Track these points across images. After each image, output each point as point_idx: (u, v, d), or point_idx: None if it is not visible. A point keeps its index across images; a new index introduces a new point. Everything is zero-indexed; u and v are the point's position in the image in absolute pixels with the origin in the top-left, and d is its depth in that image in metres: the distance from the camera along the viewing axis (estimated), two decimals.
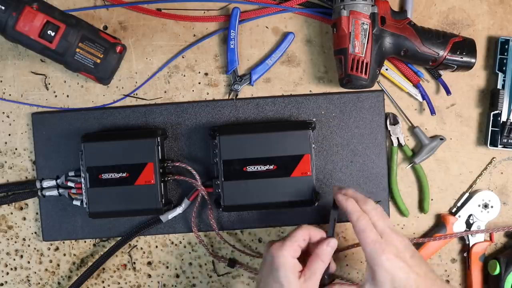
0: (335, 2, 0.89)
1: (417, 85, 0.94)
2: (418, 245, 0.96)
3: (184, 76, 0.96)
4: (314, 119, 0.95)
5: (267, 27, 0.95)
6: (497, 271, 0.93)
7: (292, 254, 0.79)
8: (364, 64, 0.87)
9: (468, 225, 0.96)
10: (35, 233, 0.98)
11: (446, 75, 0.94)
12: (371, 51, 0.87)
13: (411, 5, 0.92)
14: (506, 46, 0.93)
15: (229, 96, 0.96)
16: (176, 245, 0.98)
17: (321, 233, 0.83)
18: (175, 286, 0.99)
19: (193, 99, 0.96)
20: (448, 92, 0.93)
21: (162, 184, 0.91)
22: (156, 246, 0.98)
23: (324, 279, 0.84)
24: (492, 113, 0.93)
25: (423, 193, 0.96)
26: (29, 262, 0.98)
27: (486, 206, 0.96)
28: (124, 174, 0.90)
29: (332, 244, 0.81)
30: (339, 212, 0.83)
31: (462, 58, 0.89)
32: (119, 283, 0.98)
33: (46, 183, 0.94)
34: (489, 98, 0.95)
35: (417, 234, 0.98)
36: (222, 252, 0.98)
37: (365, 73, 0.87)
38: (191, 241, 0.97)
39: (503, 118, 0.93)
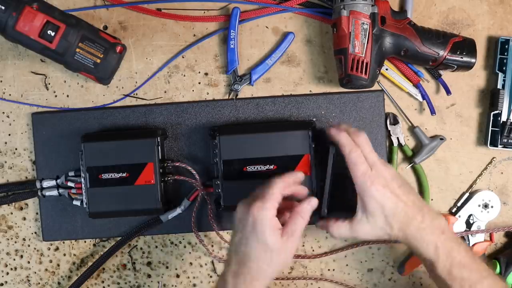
0: (335, 2, 0.89)
1: (417, 85, 0.94)
2: None
3: (184, 76, 0.96)
4: (314, 119, 0.95)
5: (267, 27, 0.95)
6: (497, 271, 0.93)
7: (273, 213, 0.78)
8: (364, 64, 0.87)
9: (468, 225, 0.96)
10: (35, 233, 0.98)
11: (446, 75, 0.94)
12: (371, 51, 0.87)
13: (411, 5, 0.92)
14: (506, 46, 0.93)
15: (229, 96, 0.96)
16: (176, 245, 0.98)
17: (293, 179, 0.83)
18: (175, 286, 0.99)
19: (193, 99, 0.96)
20: (448, 92, 0.93)
21: (162, 184, 0.90)
22: (156, 246, 0.98)
23: (324, 212, 0.86)
24: (492, 113, 0.93)
25: (423, 193, 0.96)
26: (29, 262, 0.98)
27: (486, 206, 0.96)
28: (124, 174, 0.90)
29: (312, 203, 0.81)
30: (336, 148, 0.84)
31: (462, 58, 0.89)
32: (119, 283, 0.99)
33: (46, 183, 0.94)
34: (489, 98, 0.95)
35: None
36: (222, 252, 0.98)
37: (365, 73, 0.87)
38: (191, 241, 0.97)
39: (503, 118, 0.93)
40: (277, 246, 0.77)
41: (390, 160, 0.95)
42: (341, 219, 0.84)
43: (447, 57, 0.89)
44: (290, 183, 0.82)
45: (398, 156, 0.95)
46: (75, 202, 0.93)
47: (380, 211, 0.80)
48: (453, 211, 0.97)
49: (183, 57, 0.95)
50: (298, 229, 0.79)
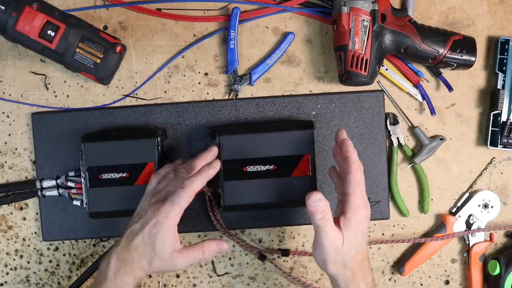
0: None
1: (417, 85, 0.94)
2: (418, 245, 0.96)
3: (184, 76, 0.96)
4: (314, 119, 0.95)
5: (267, 27, 0.95)
6: (497, 271, 0.93)
7: (176, 221, 0.80)
8: (364, 60, 0.87)
9: (468, 225, 0.96)
10: (35, 233, 0.98)
11: (445, 74, 0.94)
12: (371, 48, 0.87)
13: (412, 2, 0.92)
14: (506, 46, 0.93)
15: (229, 96, 0.96)
16: None
17: (210, 175, 0.83)
18: (175, 286, 0.99)
19: (193, 99, 0.96)
20: (450, 88, 0.93)
21: None
22: None
23: None
24: (492, 113, 0.93)
25: (423, 193, 0.96)
26: (29, 262, 0.98)
27: (486, 206, 0.96)
28: (124, 174, 0.90)
29: (221, 248, 0.83)
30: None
31: (462, 56, 0.89)
32: None
33: (46, 183, 0.94)
34: (489, 98, 0.95)
35: (417, 234, 0.98)
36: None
37: (365, 70, 0.87)
38: (191, 241, 0.97)
39: (503, 118, 0.93)
40: (163, 255, 0.80)
41: (390, 160, 0.95)
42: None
43: (447, 55, 0.89)
44: (206, 180, 0.83)
45: (398, 156, 0.95)
46: (75, 202, 0.93)
47: (359, 230, 0.80)
48: (453, 211, 0.97)
49: (183, 57, 0.95)
50: (194, 260, 0.82)
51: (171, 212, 0.79)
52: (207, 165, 0.83)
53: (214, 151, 0.88)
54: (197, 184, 0.81)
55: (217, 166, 0.84)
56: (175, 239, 0.80)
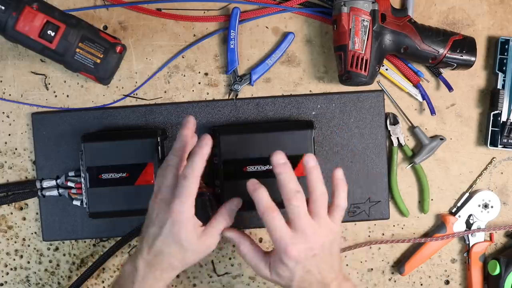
0: None
1: (417, 85, 0.94)
2: (418, 245, 0.96)
3: (184, 76, 0.96)
4: (314, 119, 0.95)
5: (267, 27, 0.95)
6: (497, 271, 0.93)
7: (192, 212, 0.77)
8: (364, 60, 0.87)
9: (468, 225, 0.96)
10: (35, 233, 0.98)
11: (445, 75, 0.94)
12: (371, 48, 0.87)
13: (412, 2, 0.92)
14: (506, 46, 0.93)
15: (229, 96, 0.96)
16: None
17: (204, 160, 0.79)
18: (175, 286, 0.99)
19: (193, 99, 0.96)
20: (450, 88, 0.93)
21: None
22: None
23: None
24: (492, 113, 0.93)
25: (423, 193, 0.96)
26: (29, 262, 0.98)
27: (486, 206, 0.96)
28: (124, 174, 0.90)
29: (236, 203, 0.83)
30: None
31: (462, 56, 0.89)
32: None
33: (46, 183, 0.94)
34: (489, 98, 0.95)
35: (417, 234, 0.98)
36: (222, 252, 0.98)
37: (365, 70, 0.87)
38: None
39: (503, 118, 0.93)
40: (193, 247, 0.78)
41: (390, 160, 0.95)
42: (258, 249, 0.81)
43: (447, 55, 0.89)
44: (205, 160, 0.79)
45: (398, 156, 0.95)
46: (75, 202, 0.93)
47: (290, 273, 0.77)
48: (453, 211, 0.97)
49: (183, 57, 0.95)
50: (220, 230, 0.80)
51: (184, 206, 0.77)
52: (197, 146, 0.78)
53: (207, 138, 0.80)
54: (197, 167, 0.77)
55: (208, 141, 0.78)
56: (196, 226, 0.78)
